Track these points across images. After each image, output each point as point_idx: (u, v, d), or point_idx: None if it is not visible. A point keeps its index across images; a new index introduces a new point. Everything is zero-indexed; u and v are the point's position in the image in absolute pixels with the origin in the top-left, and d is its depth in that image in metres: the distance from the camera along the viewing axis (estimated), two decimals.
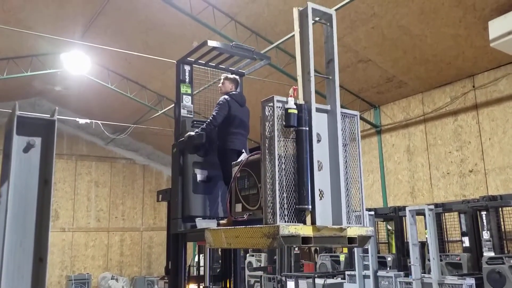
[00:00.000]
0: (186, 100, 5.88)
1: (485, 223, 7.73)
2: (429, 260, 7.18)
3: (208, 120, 5.38)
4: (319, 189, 3.91)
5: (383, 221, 10.34)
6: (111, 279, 16.38)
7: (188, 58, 5.91)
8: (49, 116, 2.06)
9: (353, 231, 4.02)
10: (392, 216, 9.27)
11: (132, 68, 13.77)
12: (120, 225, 18.02)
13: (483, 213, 7.79)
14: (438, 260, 6.41)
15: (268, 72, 11.27)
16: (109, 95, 14.57)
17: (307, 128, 3.91)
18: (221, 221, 5.19)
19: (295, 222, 3.77)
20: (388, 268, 8.43)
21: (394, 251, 9.36)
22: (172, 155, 5.83)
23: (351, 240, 4.01)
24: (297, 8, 4.20)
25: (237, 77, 5.90)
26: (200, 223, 5.35)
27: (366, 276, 8.28)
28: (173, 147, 5.73)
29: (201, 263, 5.90)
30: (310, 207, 3.79)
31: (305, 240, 3.73)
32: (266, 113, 3.93)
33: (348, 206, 4.08)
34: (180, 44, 11.83)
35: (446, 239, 9.27)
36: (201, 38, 11.47)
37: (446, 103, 10.65)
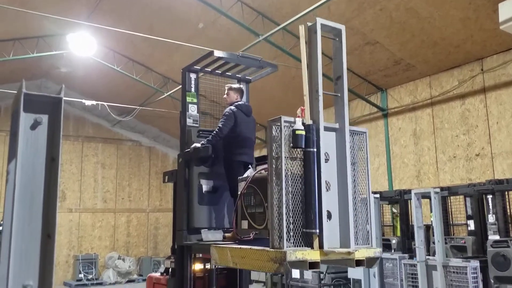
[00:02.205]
0: (192, 109, 5.81)
1: (490, 207, 7.73)
2: (433, 243, 7.20)
3: (214, 132, 5.33)
4: (327, 210, 3.85)
5: (388, 204, 10.35)
6: (118, 259, 16.58)
7: (194, 66, 5.85)
8: (56, 94, 2.06)
9: (360, 253, 3.97)
10: (398, 199, 9.28)
11: (138, 51, 13.72)
12: (126, 206, 18.18)
13: (489, 196, 7.78)
14: (443, 243, 6.43)
15: (275, 55, 11.20)
16: (115, 77, 14.56)
17: (315, 149, 3.83)
18: (227, 234, 5.19)
19: (302, 246, 3.73)
20: (393, 251, 8.47)
21: (398, 234, 9.40)
22: (177, 165, 5.78)
23: (358, 262, 3.97)
24: (302, 25, 4.05)
25: (241, 86, 5.84)
26: (206, 235, 5.34)
27: None
28: (179, 157, 5.69)
29: None
30: (317, 231, 3.73)
31: (312, 264, 3.69)
32: (274, 133, 3.85)
33: (356, 226, 4.03)
34: (186, 27, 11.75)
35: (451, 223, 9.28)
36: (207, 20, 11.42)
37: (453, 86, 10.56)
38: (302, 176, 3.83)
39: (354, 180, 4.10)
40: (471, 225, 8.26)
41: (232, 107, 5.44)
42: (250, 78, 6.26)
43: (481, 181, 9.01)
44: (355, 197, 4.08)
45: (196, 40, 11.24)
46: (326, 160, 3.94)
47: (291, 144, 3.78)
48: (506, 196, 7.94)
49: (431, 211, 7.69)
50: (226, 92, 5.71)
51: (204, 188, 5.55)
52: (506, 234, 7.59)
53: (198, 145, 5.33)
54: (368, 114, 12.55)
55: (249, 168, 5.09)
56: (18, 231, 1.89)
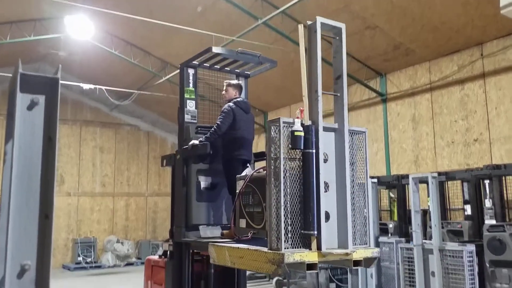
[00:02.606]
0: (190, 105, 5.77)
1: (487, 192, 7.76)
2: (430, 227, 7.25)
3: (213, 129, 5.29)
4: (325, 211, 3.86)
5: (385, 189, 10.39)
6: (117, 242, 16.70)
7: (192, 62, 5.79)
8: (52, 74, 2.05)
9: (359, 254, 3.98)
10: (395, 184, 9.32)
11: (136, 34, 13.63)
12: (125, 191, 18.23)
13: (486, 181, 7.81)
14: (439, 227, 6.48)
15: (274, 39, 11.13)
16: (113, 61, 14.48)
17: (314, 151, 3.82)
18: (225, 231, 5.19)
19: (300, 247, 3.75)
20: (390, 235, 8.53)
21: (395, 218, 9.45)
22: (175, 161, 5.76)
23: (356, 262, 3.99)
24: (302, 24, 4.00)
25: (240, 82, 5.80)
26: (204, 231, 5.37)
27: None
28: (177, 154, 5.67)
29: None
30: (315, 232, 3.74)
31: (310, 266, 3.71)
32: (272, 133, 3.84)
33: (354, 226, 4.04)
34: (185, 10, 11.65)
35: (448, 207, 9.33)
36: (206, 4, 11.32)
37: (453, 71, 10.53)
38: (301, 177, 3.83)
39: (353, 180, 4.10)
40: (468, 209, 8.31)
41: (231, 104, 5.41)
42: (249, 73, 6.21)
43: (478, 166, 9.04)
44: (354, 197, 4.09)
45: (195, 24, 11.16)
46: (325, 160, 3.94)
47: (290, 146, 3.77)
48: (503, 181, 7.98)
49: (428, 196, 7.72)
50: (224, 88, 5.68)
51: (203, 184, 5.55)
52: (502, 219, 7.64)
53: (196, 142, 5.30)
54: (367, 99, 12.53)
55: (247, 166, 5.07)
56: (16, 212, 1.90)
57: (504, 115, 9.51)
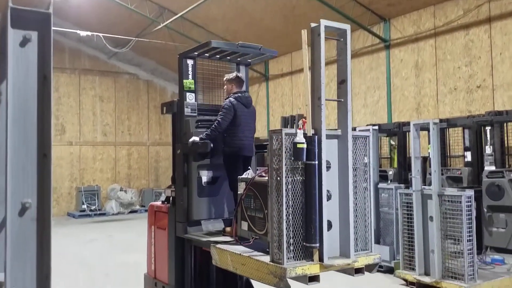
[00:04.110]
0: (190, 98, 5.55)
1: (488, 138, 7.76)
2: (430, 174, 7.30)
3: (213, 126, 5.21)
4: (327, 220, 3.83)
5: (386, 137, 10.39)
6: (120, 190, 16.93)
7: (191, 53, 5.59)
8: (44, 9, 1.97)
9: (360, 262, 3.99)
10: (396, 131, 9.30)
11: None
12: (126, 140, 18.29)
13: (488, 128, 7.79)
14: (439, 173, 6.50)
15: None
16: (109, 7, 14.09)
17: (317, 162, 3.73)
18: (227, 229, 5.17)
19: (302, 258, 3.75)
20: (389, 181, 8.61)
21: (395, 165, 9.50)
22: (175, 156, 5.64)
23: (358, 269, 4.01)
24: (305, 30, 3.79)
25: (239, 74, 5.59)
26: (206, 226, 5.37)
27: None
28: (177, 148, 5.54)
29: None
30: (317, 245, 3.73)
31: (312, 278, 3.72)
32: (274, 145, 3.76)
33: (356, 232, 4.03)
34: None
35: (448, 155, 9.36)
36: None
37: (458, 16, 10.25)
38: (303, 188, 3.79)
39: (355, 186, 4.06)
40: (468, 156, 8.33)
41: (232, 99, 5.31)
42: (250, 61, 6.01)
43: (480, 113, 8.99)
44: (356, 203, 4.06)
45: None
46: (328, 168, 3.88)
47: (292, 158, 3.72)
48: (505, 128, 7.96)
49: (429, 143, 7.72)
50: (225, 82, 5.57)
51: (204, 179, 5.48)
52: (502, 165, 7.68)
53: (197, 139, 5.23)
54: (370, 46, 12.29)
55: (249, 169, 5.00)
56: (14, 151, 1.88)
57: (509, 60, 9.35)
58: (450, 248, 6.21)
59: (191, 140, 5.28)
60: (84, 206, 16.08)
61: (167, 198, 6.14)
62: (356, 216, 4.06)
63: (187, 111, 5.54)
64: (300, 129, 3.76)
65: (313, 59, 3.82)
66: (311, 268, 3.71)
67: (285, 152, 3.72)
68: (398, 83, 11.64)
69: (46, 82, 1.88)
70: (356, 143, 4.08)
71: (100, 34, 14.51)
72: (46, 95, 1.87)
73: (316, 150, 3.75)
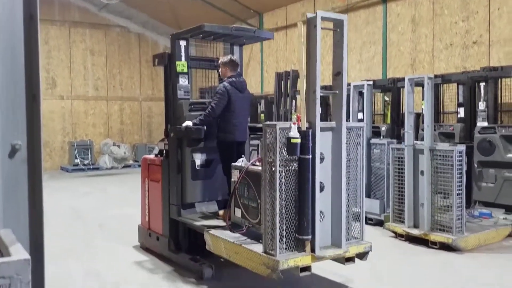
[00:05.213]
0: (183, 80, 5.47)
1: (482, 94, 7.75)
2: (422, 130, 7.33)
3: (207, 111, 5.17)
4: (320, 211, 3.84)
5: (380, 93, 10.35)
6: (113, 145, 16.92)
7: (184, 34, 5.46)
8: None
9: (351, 251, 4.05)
10: (390, 87, 9.26)
11: None
12: (118, 95, 18.09)
13: (482, 84, 7.76)
14: (432, 128, 6.53)
15: None
16: None
17: (310, 156, 3.74)
18: (220, 212, 5.25)
19: (294, 249, 3.81)
20: (382, 137, 8.64)
21: (389, 122, 9.52)
22: (168, 139, 5.61)
23: (349, 258, 4.09)
24: (301, 21, 3.71)
25: (235, 58, 5.46)
26: (200, 208, 5.44)
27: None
28: (170, 131, 5.52)
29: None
30: (310, 237, 3.76)
31: (304, 268, 3.79)
32: (268, 139, 3.74)
33: (348, 222, 4.07)
34: None
35: (441, 111, 9.37)
36: None
37: None
38: (297, 181, 3.80)
39: (348, 177, 4.09)
40: (461, 112, 8.35)
41: (226, 84, 5.26)
42: (244, 41, 5.91)
43: (475, 69, 8.94)
44: (348, 194, 4.10)
45: None
46: (322, 160, 3.88)
47: (287, 153, 3.73)
48: (499, 84, 7.94)
49: (422, 99, 7.70)
50: (219, 66, 5.51)
51: (197, 162, 5.50)
52: (494, 121, 7.72)
53: (190, 124, 5.19)
54: None
55: (242, 157, 4.99)
56: (2, 92, 1.84)
57: (507, 16, 9.21)
58: (440, 202, 6.33)
59: (184, 124, 5.27)
60: (77, 161, 16.09)
61: (160, 151, 6.15)
62: (349, 206, 4.14)
63: (180, 93, 5.49)
64: (294, 124, 3.80)
65: (308, 51, 3.76)
66: (303, 259, 3.81)
67: (279, 147, 3.74)
68: (394, 38, 11.49)
69: (32, 22, 1.82)
70: (350, 135, 4.12)
71: None
72: (33, 36, 1.82)
73: (310, 145, 3.77)
